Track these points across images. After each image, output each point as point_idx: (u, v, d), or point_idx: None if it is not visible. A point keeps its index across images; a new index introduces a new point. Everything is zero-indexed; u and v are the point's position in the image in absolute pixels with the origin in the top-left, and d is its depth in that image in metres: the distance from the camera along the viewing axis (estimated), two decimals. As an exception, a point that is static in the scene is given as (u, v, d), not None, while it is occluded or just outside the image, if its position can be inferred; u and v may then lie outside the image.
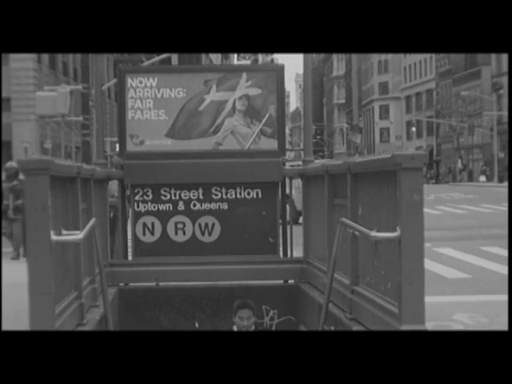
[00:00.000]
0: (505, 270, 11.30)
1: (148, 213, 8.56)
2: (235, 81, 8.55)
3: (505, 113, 62.47)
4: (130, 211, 8.78)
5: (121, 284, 8.54)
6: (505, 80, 66.33)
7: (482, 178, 67.91)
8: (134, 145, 8.55)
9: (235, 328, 6.82)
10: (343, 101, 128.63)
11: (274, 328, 8.33)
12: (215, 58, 63.79)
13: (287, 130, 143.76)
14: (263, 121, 8.54)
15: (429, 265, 10.76)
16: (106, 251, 8.54)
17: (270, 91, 8.56)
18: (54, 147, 33.50)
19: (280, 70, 8.70)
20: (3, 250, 13.35)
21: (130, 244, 8.80)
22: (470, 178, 72.80)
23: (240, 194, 8.57)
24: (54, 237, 5.07)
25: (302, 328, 8.10)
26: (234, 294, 8.42)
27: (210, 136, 8.55)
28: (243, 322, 6.71)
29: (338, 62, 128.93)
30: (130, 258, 8.83)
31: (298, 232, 8.73)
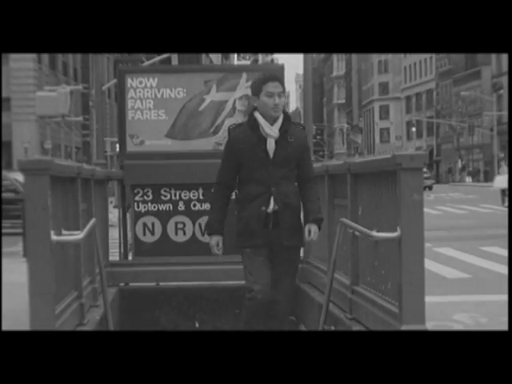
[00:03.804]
0: (505, 269, 11.29)
1: (148, 213, 8.56)
2: (235, 81, 8.55)
3: (505, 113, 62.52)
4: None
5: (121, 284, 8.55)
6: (505, 80, 66.38)
7: (468, 179, 68.15)
8: (134, 145, 8.55)
9: (258, 116, 5.15)
10: (343, 101, 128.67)
11: (274, 328, 8.32)
12: (215, 57, 63.79)
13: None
14: (263, 121, 8.53)
15: (429, 265, 10.76)
16: (107, 251, 8.55)
17: (270, 91, 8.55)
18: (53, 147, 33.54)
19: (280, 70, 8.70)
20: (3, 249, 13.35)
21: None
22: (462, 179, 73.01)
23: (240, 194, 8.56)
24: (54, 237, 5.07)
25: (302, 328, 8.09)
26: (234, 294, 8.42)
27: (210, 136, 8.55)
28: (274, 98, 5.10)
29: (338, 62, 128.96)
30: (130, 257, 8.83)
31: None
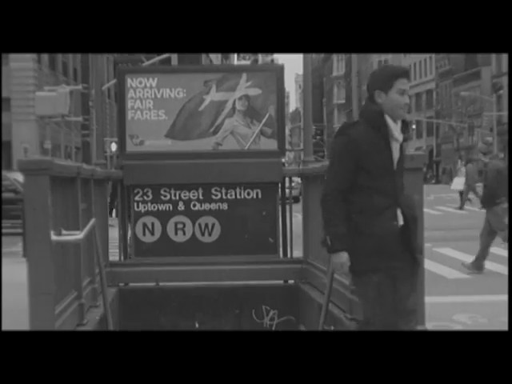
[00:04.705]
0: (505, 269, 11.30)
1: (148, 213, 8.56)
2: (235, 81, 8.55)
3: (505, 113, 62.50)
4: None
5: (121, 284, 8.55)
6: (505, 80, 66.35)
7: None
8: (134, 145, 8.55)
9: (386, 116, 4.48)
10: (343, 101, 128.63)
11: (273, 328, 8.33)
12: (215, 58, 63.83)
13: (287, 131, 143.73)
14: (263, 121, 8.54)
15: (429, 265, 10.77)
16: (106, 251, 8.54)
17: (269, 91, 8.56)
18: (53, 147, 33.53)
19: (280, 70, 8.70)
20: (3, 249, 13.35)
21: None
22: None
23: (240, 194, 8.56)
24: (54, 237, 5.08)
25: (302, 328, 8.10)
26: (234, 294, 8.42)
27: (210, 136, 8.55)
28: (404, 97, 4.48)
29: (338, 62, 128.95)
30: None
31: (297, 232, 8.73)
